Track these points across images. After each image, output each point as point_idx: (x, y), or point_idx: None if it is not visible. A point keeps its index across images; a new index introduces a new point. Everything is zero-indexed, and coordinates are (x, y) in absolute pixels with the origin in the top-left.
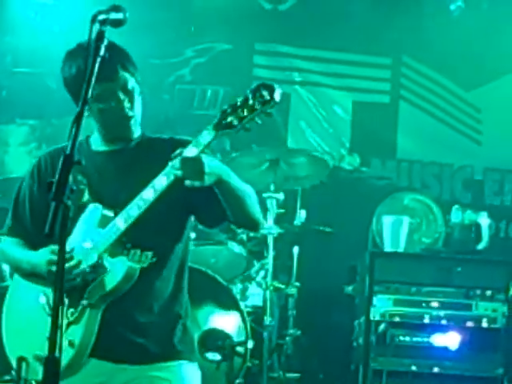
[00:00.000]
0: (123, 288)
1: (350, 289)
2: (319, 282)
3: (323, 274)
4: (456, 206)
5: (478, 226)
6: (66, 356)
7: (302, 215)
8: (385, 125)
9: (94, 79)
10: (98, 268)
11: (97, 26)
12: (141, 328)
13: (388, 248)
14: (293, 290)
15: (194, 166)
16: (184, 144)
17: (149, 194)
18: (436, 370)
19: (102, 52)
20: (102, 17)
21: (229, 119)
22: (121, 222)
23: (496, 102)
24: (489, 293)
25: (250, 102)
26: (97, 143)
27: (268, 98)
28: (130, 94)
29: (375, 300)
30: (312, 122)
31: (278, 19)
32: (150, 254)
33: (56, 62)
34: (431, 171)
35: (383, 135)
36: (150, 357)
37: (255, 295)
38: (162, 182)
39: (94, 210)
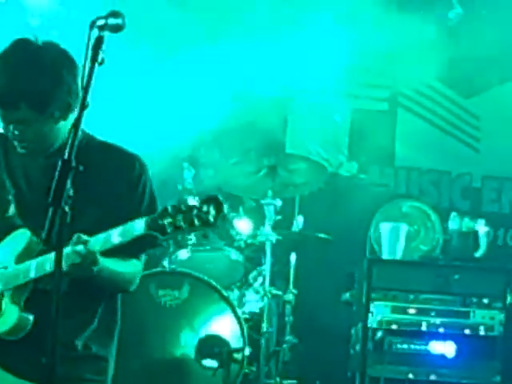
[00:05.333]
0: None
1: (347, 296)
2: (317, 289)
3: (321, 280)
4: (454, 214)
5: (475, 234)
6: None
7: (299, 222)
8: (383, 132)
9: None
10: None
11: (95, 32)
12: None
13: (386, 255)
14: (290, 297)
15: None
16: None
17: None
18: (433, 377)
19: (99, 58)
20: (100, 22)
21: (165, 221)
22: None
23: (495, 110)
24: (486, 300)
25: (194, 213)
26: None
27: (212, 220)
28: None
29: (372, 307)
30: (310, 128)
31: None
32: None
33: None
34: (429, 178)
35: (381, 142)
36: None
37: (252, 302)
38: None
39: None
